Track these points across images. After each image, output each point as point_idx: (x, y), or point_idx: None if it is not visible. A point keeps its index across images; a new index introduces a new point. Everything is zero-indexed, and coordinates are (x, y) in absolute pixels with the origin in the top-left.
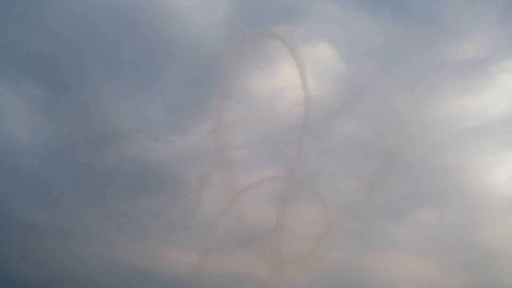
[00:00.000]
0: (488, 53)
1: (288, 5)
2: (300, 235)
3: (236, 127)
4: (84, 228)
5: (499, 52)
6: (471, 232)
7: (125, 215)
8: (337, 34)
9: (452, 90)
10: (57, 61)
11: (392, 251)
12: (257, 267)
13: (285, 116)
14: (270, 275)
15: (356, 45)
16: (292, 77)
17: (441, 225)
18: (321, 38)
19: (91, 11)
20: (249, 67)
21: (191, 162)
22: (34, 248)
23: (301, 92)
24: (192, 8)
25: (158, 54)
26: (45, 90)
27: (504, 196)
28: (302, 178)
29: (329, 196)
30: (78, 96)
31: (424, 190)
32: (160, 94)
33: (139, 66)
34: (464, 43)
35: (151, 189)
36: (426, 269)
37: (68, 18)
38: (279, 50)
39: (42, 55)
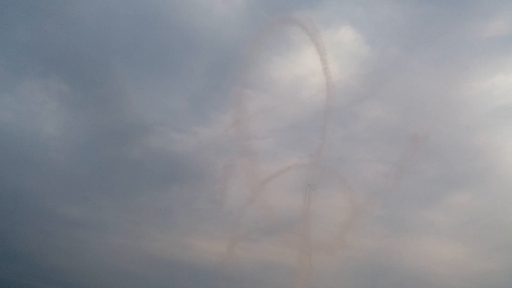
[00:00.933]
0: None
1: None
2: (327, 221)
3: (259, 116)
4: (114, 220)
5: None
6: (505, 214)
7: (154, 206)
8: (360, 16)
9: (481, 69)
10: (82, 57)
11: (425, 236)
12: (286, 254)
13: (309, 103)
14: (298, 262)
15: (380, 27)
16: (315, 63)
17: (474, 208)
18: (344, 21)
19: (112, 6)
20: (271, 54)
21: (216, 152)
22: (66, 240)
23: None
24: None
25: (180, 45)
26: (71, 85)
27: None
28: (328, 165)
29: (357, 182)
30: (104, 91)
31: (456, 173)
32: (183, 85)
33: (161, 58)
34: (493, 20)
35: (178, 180)
36: (460, 253)
37: (91, 13)
38: (300, 35)
39: (67, 51)
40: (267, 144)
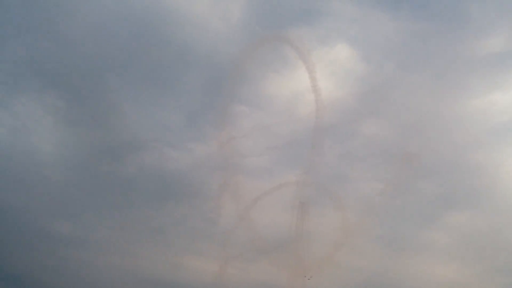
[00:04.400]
0: None
1: (305, 6)
2: (321, 240)
3: (255, 133)
4: (107, 238)
5: None
6: (506, 234)
7: (147, 224)
8: (356, 33)
9: (479, 87)
10: (78, 73)
11: (423, 256)
12: (280, 274)
13: (305, 120)
14: (291, 283)
15: (376, 44)
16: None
17: (474, 227)
18: (339, 38)
19: (108, 23)
20: (267, 71)
21: (210, 170)
22: (58, 258)
23: (322, 94)
24: (207, 13)
25: (175, 61)
26: (67, 101)
27: None
28: (322, 183)
29: (353, 201)
30: (99, 107)
31: (454, 191)
32: (178, 101)
33: (156, 74)
34: (490, 37)
35: (172, 198)
36: (460, 274)
37: (86, 30)
38: (296, 53)
39: (63, 68)
40: (263, 162)
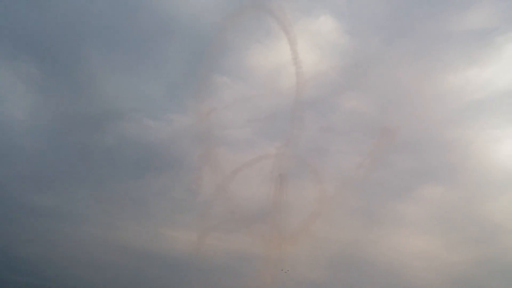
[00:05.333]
0: (495, 24)
1: None
2: (299, 212)
3: (237, 105)
4: (86, 210)
5: (507, 22)
6: (476, 208)
7: (127, 195)
8: (340, 6)
9: (457, 63)
10: (54, 38)
11: (397, 228)
12: (258, 245)
13: (287, 93)
14: (268, 253)
15: (360, 17)
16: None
17: (446, 201)
18: (324, 9)
19: None
20: (249, 42)
21: (192, 141)
22: (36, 230)
23: (305, 67)
24: None
25: (157, 30)
26: (42, 68)
27: (508, 171)
28: (302, 155)
29: (332, 173)
30: (76, 75)
31: (429, 166)
32: (159, 71)
33: (137, 43)
34: (470, 13)
35: (152, 169)
36: (431, 245)
37: None
38: (278, 23)
39: (37, 33)
40: (244, 134)
